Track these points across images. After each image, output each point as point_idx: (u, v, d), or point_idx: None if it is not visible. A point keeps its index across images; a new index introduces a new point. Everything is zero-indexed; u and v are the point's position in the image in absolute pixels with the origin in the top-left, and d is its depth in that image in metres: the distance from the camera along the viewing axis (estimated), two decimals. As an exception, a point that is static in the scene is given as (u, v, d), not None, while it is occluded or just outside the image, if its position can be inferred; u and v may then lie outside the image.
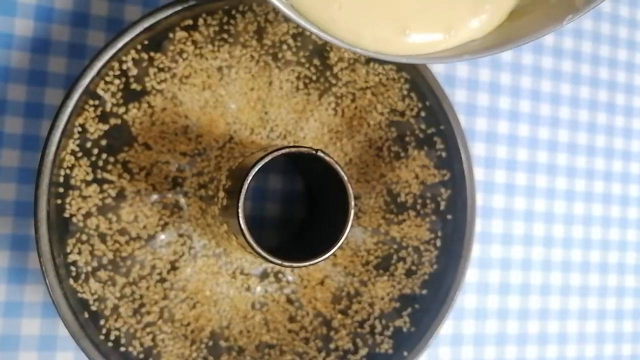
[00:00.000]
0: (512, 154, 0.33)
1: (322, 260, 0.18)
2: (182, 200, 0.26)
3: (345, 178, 0.19)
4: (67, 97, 0.19)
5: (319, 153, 0.18)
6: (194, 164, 0.26)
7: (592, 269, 0.35)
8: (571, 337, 0.34)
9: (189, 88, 0.25)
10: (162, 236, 0.25)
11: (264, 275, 0.26)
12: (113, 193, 0.24)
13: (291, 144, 0.18)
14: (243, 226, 0.18)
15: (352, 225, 0.20)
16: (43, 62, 0.25)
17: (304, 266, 0.18)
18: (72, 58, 0.26)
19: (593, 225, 0.35)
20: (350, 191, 0.19)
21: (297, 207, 0.29)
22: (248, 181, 0.17)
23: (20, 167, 0.25)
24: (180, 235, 0.26)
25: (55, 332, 0.25)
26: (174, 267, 0.25)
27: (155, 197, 0.25)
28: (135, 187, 0.25)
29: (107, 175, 0.23)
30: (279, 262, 0.18)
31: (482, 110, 0.32)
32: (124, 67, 0.21)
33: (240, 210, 0.18)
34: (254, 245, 0.18)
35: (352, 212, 0.19)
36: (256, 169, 0.18)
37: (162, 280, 0.25)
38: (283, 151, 0.18)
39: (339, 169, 0.19)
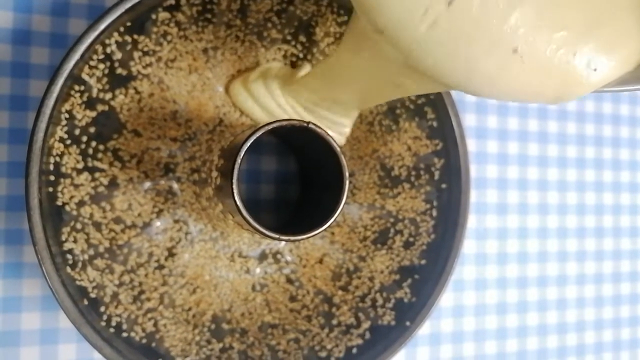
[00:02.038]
0: (503, 123, 0.33)
1: (320, 232, 0.18)
2: (176, 186, 0.25)
3: (338, 149, 0.19)
4: (52, 82, 0.19)
5: (310, 125, 0.18)
6: (185, 149, 0.26)
7: (587, 234, 0.35)
8: (570, 302, 0.34)
9: (176, 72, 0.25)
10: (158, 223, 0.25)
11: (262, 257, 0.26)
12: (105, 181, 0.23)
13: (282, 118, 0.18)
14: (238, 202, 0.17)
15: (347, 198, 0.20)
16: (25, 54, 0.25)
17: (302, 239, 0.18)
18: (54, 48, 0.25)
19: (587, 192, 0.35)
20: (344, 161, 0.19)
21: (292, 188, 0.29)
22: (241, 155, 0.17)
23: (8, 161, 0.25)
24: (176, 221, 0.25)
25: (56, 325, 0.25)
26: (171, 254, 0.25)
27: (148, 184, 0.25)
28: (127, 175, 0.24)
29: (98, 164, 0.23)
30: (276, 236, 0.18)
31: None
32: (108, 50, 0.21)
33: (234, 186, 0.17)
34: (250, 220, 0.18)
35: (347, 182, 0.19)
36: (249, 142, 0.17)
37: (161, 267, 0.25)
38: (275, 125, 0.18)
39: (330, 140, 0.19)
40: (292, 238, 0.18)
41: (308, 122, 0.18)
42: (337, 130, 0.26)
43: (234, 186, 0.18)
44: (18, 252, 0.25)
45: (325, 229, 0.18)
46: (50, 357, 0.25)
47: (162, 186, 0.25)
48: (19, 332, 0.24)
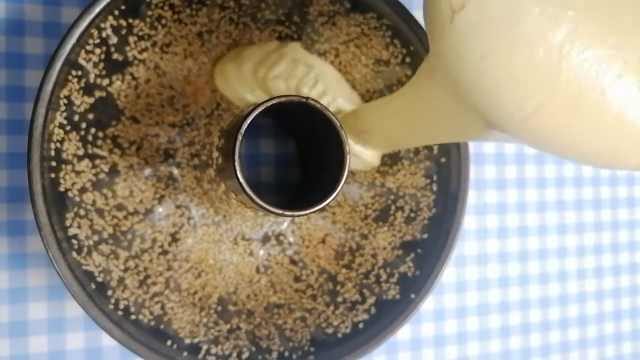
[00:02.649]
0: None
1: (325, 205, 0.18)
2: (176, 172, 0.26)
3: (338, 123, 0.19)
4: (49, 66, 0.19)
5: (309, 101, 0.18)
6: (183, 134, 0.26)
7: (585, 206, 0.35)
8: (571, 274, 0.35)
9: (171, 57, 0.25)
10: (160, 209, 0.25)
11: (265, 239, 0.26)
12: (106, 168, 0.23)
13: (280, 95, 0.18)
14: (241, 179, 0.18)
15: (347, 178, 0.20)
16: (19, 44, 0.25)
17: (305, 214, 0.18)
18: (48, 37, 0.25)
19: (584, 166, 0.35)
20: (344, 136, 0.19)
21: (292, 170, 0.29)
22: (242, 132, 0.17)
23: (8, 152, 0.25)
24: (178, 207, 0.25)
25: (63, 314, 0.25)
26: (174, 239, 0.25)
27: (148, 170, 0.25)
28: (127, 162, 0.24)
29: (98, 151, 0.23)
30: (280, 211, 0.18)
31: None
32: (104, 34, 0.21)
33: (237, 164, 0.18)
34: (254, 197, 0.18)
35: (349, 156, 0.19)
36: (249, 119, 0.18)
37: (165, 253, 0.25)
38: (274, 101, 0.18)
39: (330, 114, 0.19)
40: (295, 213, 0.18)
41: (307, 98, 0.18)
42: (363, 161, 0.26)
43: (237, 164, 0.18)
44: (22, 243, 0.25)
45: (328, 204, 0.18)
46: (59, 346, 0.25)
47: (163, 172, 0.25)
48: (26, 322, 0.25)
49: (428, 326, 0.30)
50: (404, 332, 0.30)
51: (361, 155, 0.25)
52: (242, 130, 0.18)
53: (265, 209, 0.18)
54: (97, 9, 0.19)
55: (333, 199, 0.19)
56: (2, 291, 0.24)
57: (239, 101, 0.26)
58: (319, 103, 0.19)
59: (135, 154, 0.25)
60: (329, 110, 0.19)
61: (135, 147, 0.25)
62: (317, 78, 0.26)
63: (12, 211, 0.25)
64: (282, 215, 0.18)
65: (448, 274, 0.31)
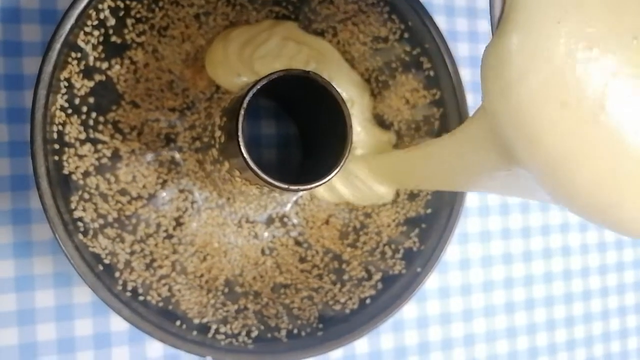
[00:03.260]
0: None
1: (330, 179, 0.18)
2: (178, 156, 0.26)
3: (340, 96, 0.19)
4: (49, 47, 0.19)
5: (310, 74, 0.18)
6: (184, 118, 0.26)
7: (586, 181, 0.35)
8: (574, 249, 0.35)
9: (169, 40, 0.25)
10: (163, 194, 0.25)
11: (269, 221, 0.26)
12: (108, 153, 0.23)
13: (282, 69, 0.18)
14: (245, 154, 0.18)
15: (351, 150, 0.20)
16: (16, 32, 0.25)
17: (311, 188, 0.18)
18: (45, 25, 0.25)
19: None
20: (347, 110, 0.19)
21: (293, 151, 0.29)
22: (245, 105, 0.17)
23: (10, 141, 0.24)
24: (181, 191, 0.25)
25: (71, 301, 0.25)
26: (179, 223, 0.25)
27: (150, 155, 0.25)
28: (128, 147, 0.24)
29: (99, 136, 0.23)
30: (285, 186, 0.18)
31: (462, 36, 0.32)
32: (101, 16, 0.21)
33: (241, 140, 0.18)
34: (259, 171, 0.18)
35: (351, 130, 0.19)
36: (252, 93, 0.18)
37: (170, 237, 0.25)
38: (276, 75, 0.18)
39: (331, 88, 0.19)
40: (301, 187, 0.18)
41: (308, 71, 0.18)
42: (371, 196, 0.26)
43: (240, 139, 0.18)
44: (27, 231, 0.25)
45: (333, 177, 0.18)
46: (67, 333, 0.25)
47: (165, 157, 0.25)
48: (33, 310, 0.25)
49: (433, 304, 0.31)
50: (410, 310, 0.30)
51: (376, 189, 0.24)
52: (245, 105, 0.18)
53: (270, 183, 0.18)
54: (95, -10, 0.19)
55: (338, 171, 0.19)
56: (9, 280, 0.24)
57: (230, 86, 0.26)
58: (320, 76, 0.19)
59: (137, 139, 0.25)
60: (330, 84, 0.19)
61: (136, 132, 0.25)
62: (310, 56, 0.26)
63: (16, 199, 0.25)
64: (287, 189, 0.18)
65: (452, 251, 0.31)
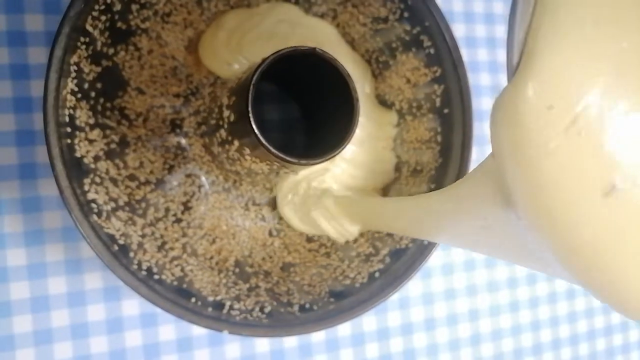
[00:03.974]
0: (492, 55, 0.34)
1: (338, 153, 0.19)
2: (184, 141, 0.26)
3: (346, 71, 0.19)
4: (59, 31, 0.19)
5: (317, 50, 0.19)
6: (188, 104, 0.26)
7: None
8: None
9: (172, 27, 0.25)
10: (171, 179, 0.25)
11: (275, 204, 0.27)
12: (116, 139, 0.24)
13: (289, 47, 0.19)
14: (256, 130, 0.18)
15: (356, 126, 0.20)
16: (19, 22, 0.25)
17: (321, 162, 0.19)
18: (48, 14, 0.25)
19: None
20: (353, 85, 0.19)
21: (298, 136, 0.29)
22: (254, 82, 0.18)
23: (17, 130, 0.25)
24: (188, 176, 0.26)
25: (83, 287, 0.25)
26: (187, 207, 0.25)
27: (156, 141, 0.25)
28: (135, 133, 0.25)
29: (107, 121, 0.23)
30: (295, 160, 0.19)
31: (458, 16, 0.33)
32: (109, 0, 0.21)
33: (251, 115, 0.18)
34: (269, 146, 0.18)
35: (358, 104, 0.19)
36: (260, 70, 0.18)
37: (179, 221, 0.25)
38: (284, 52, 0.18)
39: (337, 64, 0.19)
40: (311, 161, 0.19)
41: (314, 48, 0.19)
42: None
43: (251, 115, 0.18)
44: (37, 220, 0.25)
45: (341, 150, 0.19)
46: (80, 319, 0.25)
47: (171, 142, 0.26)
48: (47, 297, 0.25)
49: (438, 281, 0.31)
50: (416, 286, 0.30)
51: (346, 228, 0.24)
52: (254, 81, 0.18)
53: (281, 158, 0.18)
54: (102, -27, 0.19)
55: (346, 145, 0.19)
56: (21, 268, 0.25)
57: (223, 74, 0.26)
58: (327, 53, 0.19)
59: (143, 125, 0.25)
60: (336, 60, 0.19)
61: (142, 118, 0.25)
62: (305, 37, 0.26)
63: (25, 188, 0.25)
64: (298, 164, 0.19)
65: None
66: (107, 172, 0.23)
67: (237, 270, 0.25)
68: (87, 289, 0.25)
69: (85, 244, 0.25)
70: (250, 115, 0.18)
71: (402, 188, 0.26)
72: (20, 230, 0.25)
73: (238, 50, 0.25)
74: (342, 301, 0.23)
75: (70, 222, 0.25)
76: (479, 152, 0.32)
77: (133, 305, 0.26)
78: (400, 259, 0.23)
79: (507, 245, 0.15)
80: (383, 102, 0.28)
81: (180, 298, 0.20)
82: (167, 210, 0.25)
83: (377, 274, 0.24)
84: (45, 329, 0.25)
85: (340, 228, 0.25)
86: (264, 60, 0.18)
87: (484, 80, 0.33)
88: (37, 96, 0.25)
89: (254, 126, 0.18)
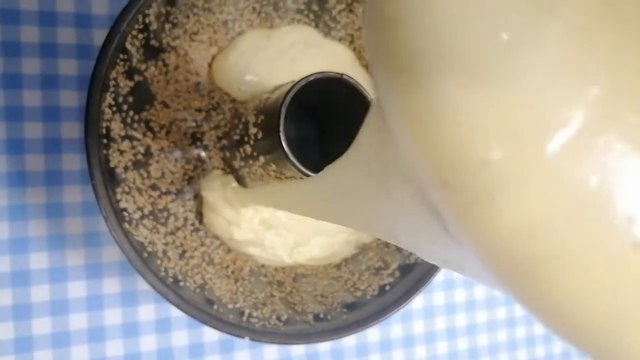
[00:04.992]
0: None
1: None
2: (204, 154, 0.27)
3: (371, 97, 0.21)
4: (104, 48, 0.20)
5: (344, 76, 0.20)
6: (210, 118, 0.27)
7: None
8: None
9: (197, 45, 0.26)
10: (190, 189, 0.26)
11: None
12: (142, 150, 0.25)
13: (316, 72, 0.20)
14: (285, 147, 0.19)
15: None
16: (52, 34, 0.26)
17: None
18: (79, 28, 0.26)
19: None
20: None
21: (310, 153, 0.30)
22: (286, 104, 0.19)
23: (44, 138, 0.26)
24: (206, 187, 0.27)
25: (101, 291, 0.26)
26: (204, 217, 0.26)
27: (177, 153, 0.26)
28: (158, 145, 0.26)
29: (134, 133, 0.24)
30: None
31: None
32: (147, 20, 0.22)
33: (282, 134, 0.19)
34: (297, 164, 0.19)
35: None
36: (292, 94, 0.19)
37: (197, 230, 0.26)
38: (314, 77, 0.20)
39: (362, 89, 0.21)
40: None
41: (342, 74, 0.20)
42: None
43: (282, 135, 0.19)
44: (60, 225, 0.26)
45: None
46: (97, 322, 0.26)
47: (191, 154, 0.27)
48: (66, 301, 0.26)
49: (439, 296, 0.33)
50: (417, 301, 0.32)
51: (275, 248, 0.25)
52: (286, 104, 0.19)
53: (308, 175, 0.20)
54: (146, -5, 0.20)
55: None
56: (43, 271, 0.25)
57: (233, 93, 0.27)
58: (352, 79, 0.20)
59: (165, 137, 0.26)
60: (361, 86, 0.21)
61: (165, 130, 0.26)
62: (320, 58, 0.27)
63: (50, 194, 0.26)
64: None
65: None
66: (134, 182, 0.24)
67: (252, 279, 0.26)
68: (105, 293, 0.26)
69: (105, 249, 0.26)
70: (282, 135, 0.19)
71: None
72: (44, 234, 0.25)
73: (246, 70, 0.27)
74: (355, 312, 0.24)
75: (91, 228, 0.26)
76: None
77: (149, 310, 0.27)
78: (410, 273, 0.25)
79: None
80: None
81: (204, 304, 0.21)
82: (186, 219, 0.26)
83: (387, 287, 0.25)
84: (63, 332, 0.26)
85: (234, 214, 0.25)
86: (295, 84, 0.19)
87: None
88: (65, 106, 0.26)
89: (284, 145, 0.19)
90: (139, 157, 0.24)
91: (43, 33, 0.26)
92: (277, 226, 0.26)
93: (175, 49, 0.25)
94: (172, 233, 0.25)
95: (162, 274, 0.21)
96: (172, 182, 0.26)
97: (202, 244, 0.26)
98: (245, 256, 0.27)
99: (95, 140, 0.19)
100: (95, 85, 0.19)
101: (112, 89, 0.21)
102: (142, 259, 0.20)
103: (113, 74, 0.21)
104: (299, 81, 0.19)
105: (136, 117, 0.24)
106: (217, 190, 0.26)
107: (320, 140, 0.30)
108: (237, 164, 0.25)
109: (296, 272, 0.27)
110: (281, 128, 0.19)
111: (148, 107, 0.25)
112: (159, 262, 0.22)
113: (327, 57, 0.28)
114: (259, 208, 0.26)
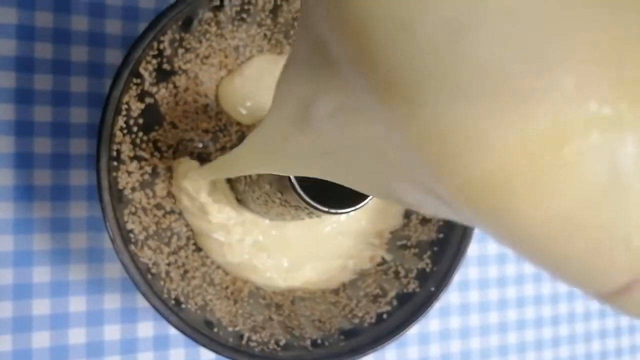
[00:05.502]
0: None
1: (366, 204, 0.20)
2: (209, 175, 0.27)
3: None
4: (118, 74, 0.20)
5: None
6: (216, 139, 0.27)
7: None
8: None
9: (208, 68, 0.27)
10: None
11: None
12: (149, 170, 0.25)
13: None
14: (293, 179, 0.20)
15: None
16: (66, 52, 0.26)
17: (351, 211, 0.20)
18: (92, 47, 0.27)
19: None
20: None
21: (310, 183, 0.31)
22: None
23: (52, 153, 0.26)
24: (210, 207, 0.27)
25: (102, 307, 0.26)
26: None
27: (183, 173, 0.27)
28: (165, 164, 0.26)
29: (142, 153, 0.25)
30: (325, 210, 0.20)
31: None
32: (161, 47, 0.23)
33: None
34: (305, 196, 0.20)
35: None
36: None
37: (198, 250, 0.26)
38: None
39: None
40: (340, 211, 0.20)
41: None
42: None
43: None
44: (64, 240, 0.26)
45: (369, 201, 0.20)
46: (96, 337, 0.26)
47: (196, 175, 0.27)
48: (67, 315, 0.26)
49: (455, 320, 0.33)
50: (412, 328, 0.32)
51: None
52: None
53: (314, 207, 0.20)
54: (162, 24, 0.21)
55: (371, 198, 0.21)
56: (44, 284, 0.26)
57: (237, 117, 0.28)
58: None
59: (172, 157, 0.27)
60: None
61: (172, 150, 0.26)
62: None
63: (56, 209, 0.26)
64: (328, 212, 0.20)
65: (472, 272, 0.33)
66: (139, 202, 0.24)
67: (251, 301, 0.26)
68: (105, 309, 0.27)
69: (108, 265, 0.27)
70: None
71: (411, 235, 0.28)
72: (47, 248, 0.26)
73: (250, 95, 0.27)
74: (352, 339, 0.24)
75: (95, 244, 0.27)
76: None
77: (148, 327, 0.27)
78: (408, 303, 0.25)
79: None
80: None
81: (204, 327, 0.22)
82: (188, 239, 0.26)
83: (385, 315, 0.25)
84: (62, 345, 0.26)
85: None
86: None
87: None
88: (75, 122, 0.26)
89: (293, 180, 0.20)
90: (146, 177, 0.25)
91: (56, 50, 0.26)
92: (271, 249, 0.27)
93: (186, 71, 0.26)
94: (174, 253, 0.25)
95: (165, 295, 0.21)
96: (176, 202, 0.27)
97: (203, 264, 0.26)
98: (244, 277, 0.27)
99: (106, 164, 0.20)
100: (108, 110, 0.20)
101: (124, 112, 0.21)
102: (146, 281, 0.20)
103: (126, 98, 0.21)
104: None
105: (145, 138, 0.25)
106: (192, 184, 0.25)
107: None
108: (241, 187, 0.26)
109: (294, 295, 0.27)
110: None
111: (157, 127, 0.25)
112: (162, 283, 0.22)
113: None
114: (249, 228, 0.26)
